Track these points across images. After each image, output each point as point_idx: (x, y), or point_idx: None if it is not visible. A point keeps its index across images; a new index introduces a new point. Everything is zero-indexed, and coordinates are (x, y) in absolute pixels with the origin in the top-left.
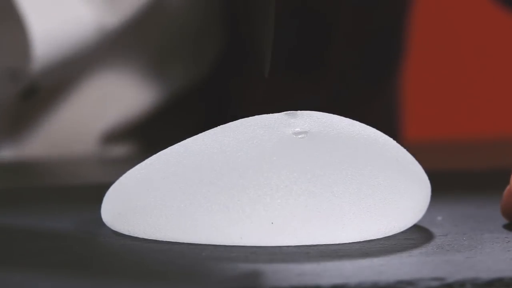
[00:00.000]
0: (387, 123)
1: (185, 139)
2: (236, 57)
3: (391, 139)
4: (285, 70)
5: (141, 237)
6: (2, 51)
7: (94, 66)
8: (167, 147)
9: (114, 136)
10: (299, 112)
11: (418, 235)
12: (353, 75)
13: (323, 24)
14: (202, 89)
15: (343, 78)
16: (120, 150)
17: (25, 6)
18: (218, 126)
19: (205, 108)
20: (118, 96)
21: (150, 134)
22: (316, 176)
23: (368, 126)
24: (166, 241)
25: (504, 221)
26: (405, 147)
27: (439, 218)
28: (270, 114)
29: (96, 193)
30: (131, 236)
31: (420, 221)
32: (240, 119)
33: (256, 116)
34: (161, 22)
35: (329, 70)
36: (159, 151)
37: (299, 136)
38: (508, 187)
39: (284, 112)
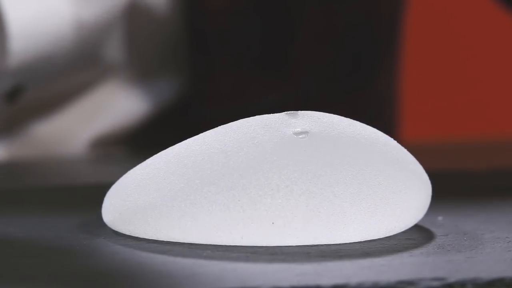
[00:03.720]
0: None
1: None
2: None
3: (391, 139)
4: (251, 66)
5: (141, 237)
6: None
7: (77, 67)
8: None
9: (104, 143)
10: (299, 112)
11: (418, 235)
12: (322, 72)
13: (287, 18)
14: (193, 99)
15: (311, 75)
16: (111, 155)
17: (1, 1)
18: (219, 126)
19: (195, 118)
20: (108, 104)
21: (139, 142)
22: (317, 176)
23: (368, 126)
24: (167, 241)
25: (506, 221)
26: (405, 147)
27: (440, 218)
28: (271, 114)
29: (97, 193)
30: (132, 236)
31: (421, 221)
32: (241, 119)
33: (257, 116)
34: (150, 32)
35: (296, 66)
36: (149, 157)
37: (300, 136)
38: None
39: (284, 112)
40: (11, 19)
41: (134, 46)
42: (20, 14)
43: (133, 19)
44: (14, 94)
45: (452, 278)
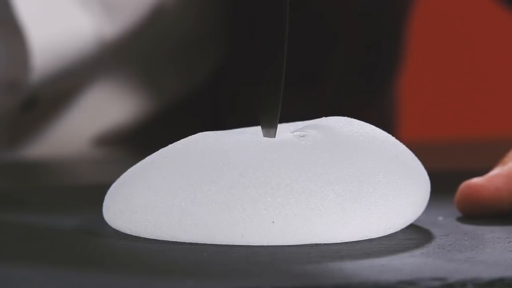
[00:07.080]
0: (383, 127)
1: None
2: (235, 67)
3: (390, 136)
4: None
5: (142, 236)
6: (0, 62)
7: (92, 75)
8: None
9: (106, 141)
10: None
11: (419, 235)
12: (350, 85)
13: (326, 34)
14: (196, 99)
15: (341, 88)
16: (112, 154)
17: (23, 16)
18: None
19: (199, 118)
20: (111, 104)
21: (141, 141)
22: (316, 174)
23: (367, 124)
24: (167, 240)
25: (506, 221)
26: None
27: (440, 218)
28: None
29: (97, 192)
30: (133, 235)
31: (421, 221)
32: None
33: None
34: (157, 33)
35: (328, 81)
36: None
37: (300, 135)
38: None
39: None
40: (33, 36)
41: (144, 48)
42: (43, 31)
43: (150, 25)
44: (30, 104)
45: (452, 278)
